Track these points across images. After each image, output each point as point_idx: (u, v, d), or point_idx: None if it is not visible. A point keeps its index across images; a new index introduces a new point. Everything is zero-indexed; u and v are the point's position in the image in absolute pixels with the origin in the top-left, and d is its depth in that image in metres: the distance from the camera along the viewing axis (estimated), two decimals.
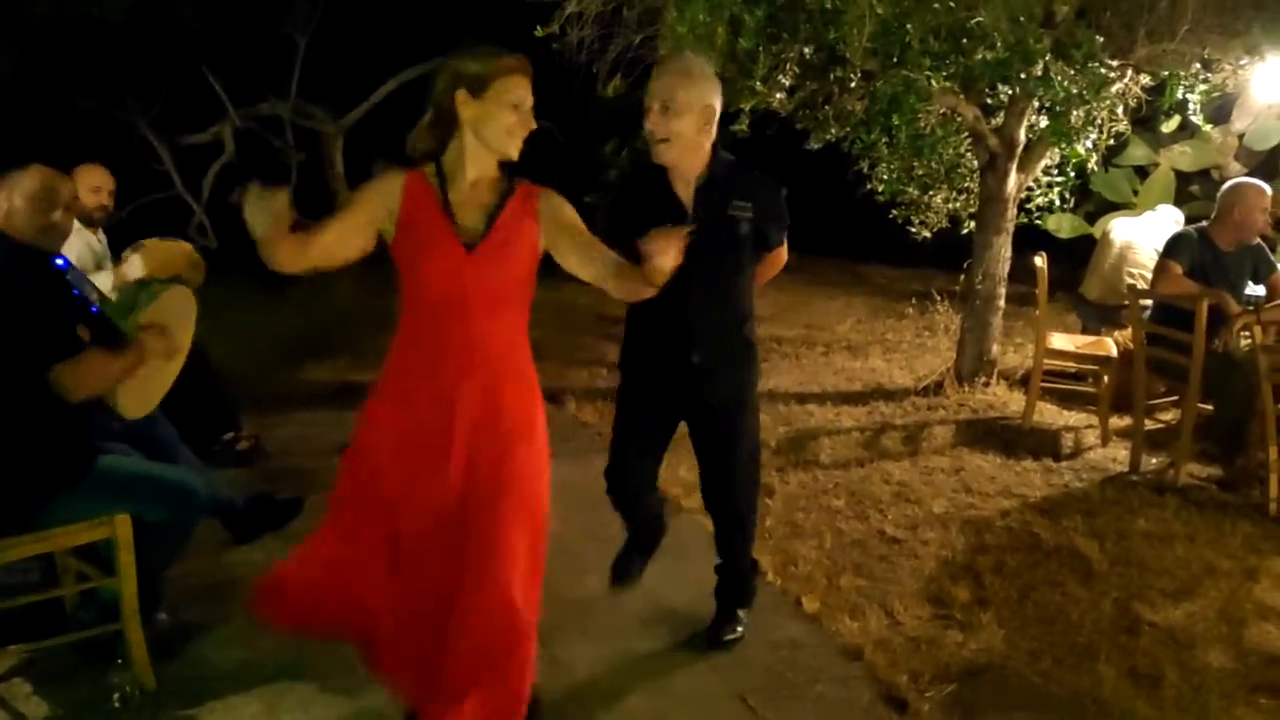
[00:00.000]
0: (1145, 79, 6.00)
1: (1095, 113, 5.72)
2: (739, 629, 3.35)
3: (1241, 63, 5.55)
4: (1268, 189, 5.07)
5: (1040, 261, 5.70)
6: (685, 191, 3.00)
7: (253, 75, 9.42)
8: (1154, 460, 5.25)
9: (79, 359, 2.89)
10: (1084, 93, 5.08)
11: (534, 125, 2.51)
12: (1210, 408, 4.97)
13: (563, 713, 2.95)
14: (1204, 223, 5.18)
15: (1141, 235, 6.39)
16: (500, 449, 2.49)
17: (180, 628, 3.39)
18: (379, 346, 8.00)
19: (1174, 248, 5.09)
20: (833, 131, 6.15)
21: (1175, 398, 5.29)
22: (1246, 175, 8.02)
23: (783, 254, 3.33)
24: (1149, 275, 5.65)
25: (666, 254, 2.30)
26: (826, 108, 6.16)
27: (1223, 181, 8.32)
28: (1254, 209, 4.97)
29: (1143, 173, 8.45)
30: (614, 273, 2.54)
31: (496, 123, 2.46)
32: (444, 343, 2.51)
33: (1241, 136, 7.84)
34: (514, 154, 2.51)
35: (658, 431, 3.26)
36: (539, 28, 5.27)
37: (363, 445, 2.61)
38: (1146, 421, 5.22)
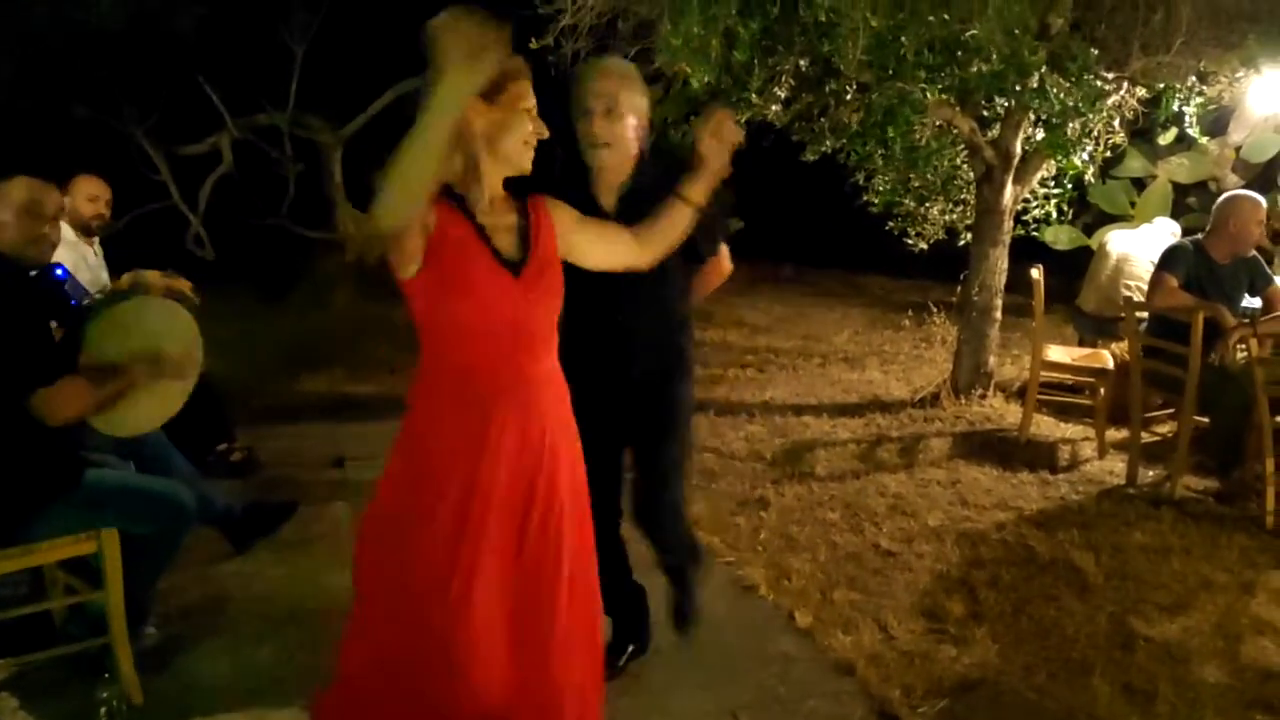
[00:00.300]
0: (1141, 91, 6.00)
1: (1091, 125, 5.73)
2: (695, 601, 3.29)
3: (1237, 75, 5.55)
4: (1263, 201, 5.06)
5: (1036, 273, 5.69)
6: (609, 199, 2.86)
7: (250, 85, 9.41)
8: (1151, 473, 5.23)
9: (58, 387, 2.86)
10: (1079, 105, 5.07)
11: (545, 133, 2.25)
12: (1207, 420, 4.96)
13: None
14: (1199, 235, 5.18)
15: (1138, 247, 6.38)
16: (558, 513, 2.30)
17: (168, 641, 3.38)
18: (376, 357, 8.08)
19: (1169, 260, 5.08)
20: (828, 143, 6.15)
21: (1172, 410, 5.28)
22: (1244, 187, 8.05)
23: (723, 264, 3.13)
24: (1145, 288, 5.64)
25: (724, 126, 2.29)
26: (822, 120, 6.17)
27: (1220, 194, 8.36)
28: (1249, 221, 4.96)
29: (1140, 185, 8.44)
30: (641, 239, 2.38)
31: (515, 133, 2.19)
32: (495, 385, 2.23)
33: (1238, 149, 7.83)
34: (528, 167, 2.26)
35: (612, 455, 3.09)
36: (534, 40, 5.27)
37: (407, 522, 2.25)
38: (1143, 434, 5.21)
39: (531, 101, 2.22)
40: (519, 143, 2.20)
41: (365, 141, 10.14)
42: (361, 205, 10.33)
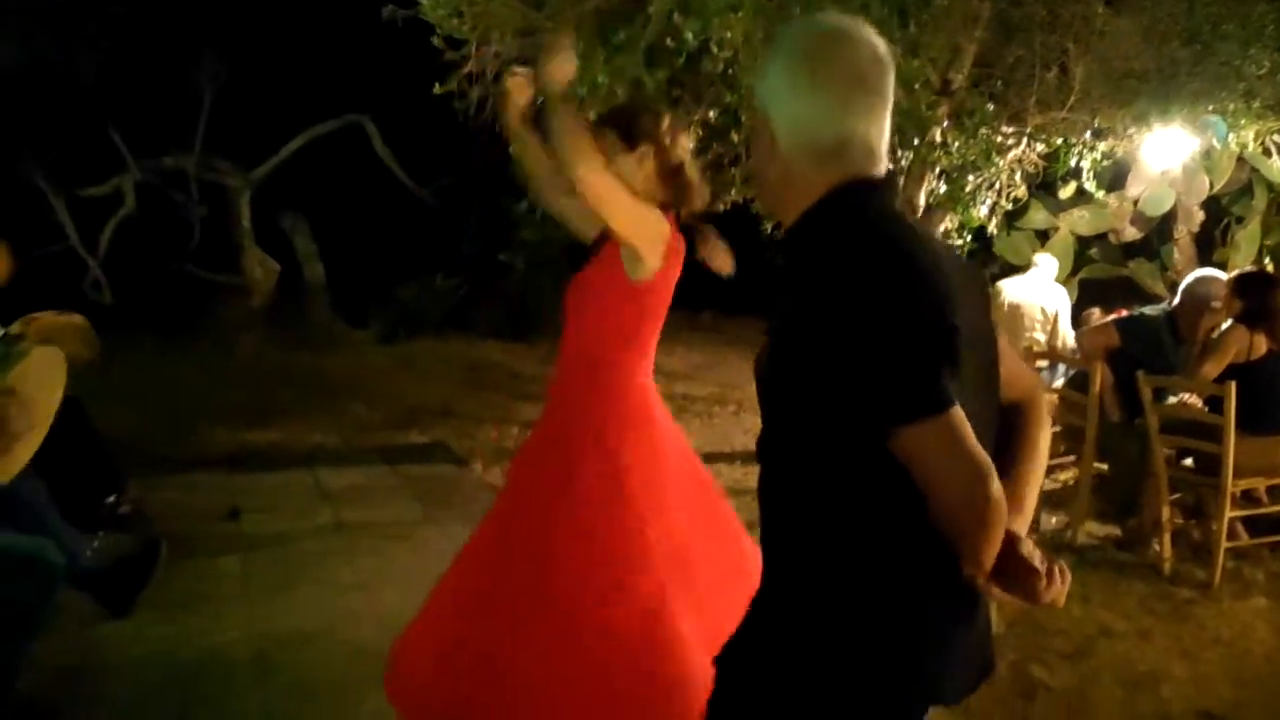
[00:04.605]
0: (1041, 146, 6.16)
1: (991, 178, 5.85)
2: None
3: (1130, 131, 5.73)
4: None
5: None
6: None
7: (156, 128, 9.24)
8: (1053, 519, 5.29)
9: None
10: (977, 160, 5.18)
11: None
12: (1105, 468, 5.04)
13: None
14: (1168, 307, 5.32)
15: (1027, 294, 6.57)
16: None
17: (40, 708, 3.19)
18: (280, 406, 7.88)
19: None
20: (736, 193, 6.18)
21: (1074, 457, 5.36)
22: (1141, 240, 8.32)
23: None
24: (1037, 334, 5.78)
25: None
26: (733, 169, 6.20)
27: (1120, 245, 8.63)
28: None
29: (1044, 236, 8.67)
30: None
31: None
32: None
33: (1136, 202, 8.09)
34: None
35: None
36: (437, 85, 5.22)
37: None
38: (1046, 481, 5.26)
39: None
40: None
41: (276, 186, 10.01)
42: (269, 248, 10.17)
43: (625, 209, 2.42)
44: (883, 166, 1.50)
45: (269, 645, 3.71)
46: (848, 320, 1.32)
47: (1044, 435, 1.63)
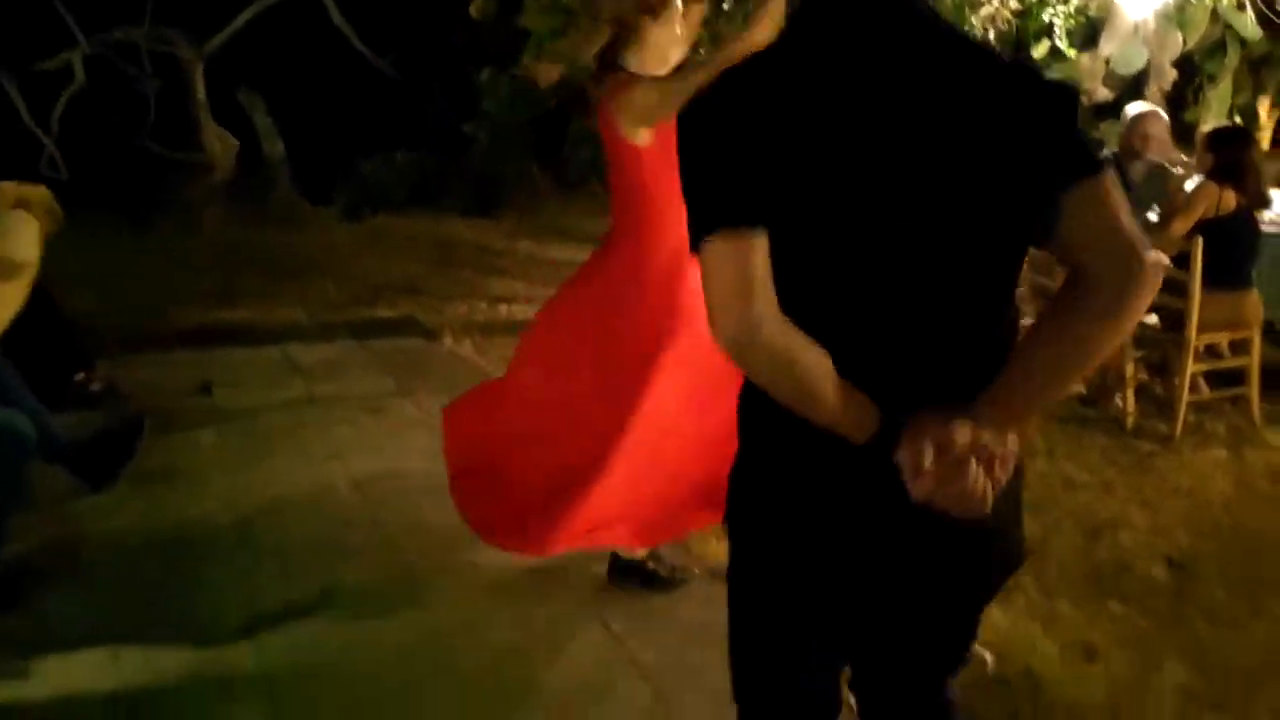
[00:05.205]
0: (1013, 2, 6.04)
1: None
2: None
3: None
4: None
5: None
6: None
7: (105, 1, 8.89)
8: None
9: None
10: (949, 17, 5.08)
11: None
12: None
13: (430, 645, 2.90)
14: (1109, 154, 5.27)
15: None
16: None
17: (19, 579, 3.22)
18: (247, 283, 7.81)
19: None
20: None
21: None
22: (1114, 99, 8.22)
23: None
24: None
25: None
26: None
27: (1092, 106, 8.53)
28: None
29: None
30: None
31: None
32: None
33: (1108, 61, 7.98)
34: None
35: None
36: None
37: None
38: None
39: None
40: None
41: (230, 57, 9.70)
42: (227, 124, 9.91)
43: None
44: None
45: (248, 514, 3.75)
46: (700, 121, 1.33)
47: (1085, 324, 1.28)
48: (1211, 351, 4.85)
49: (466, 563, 3.33)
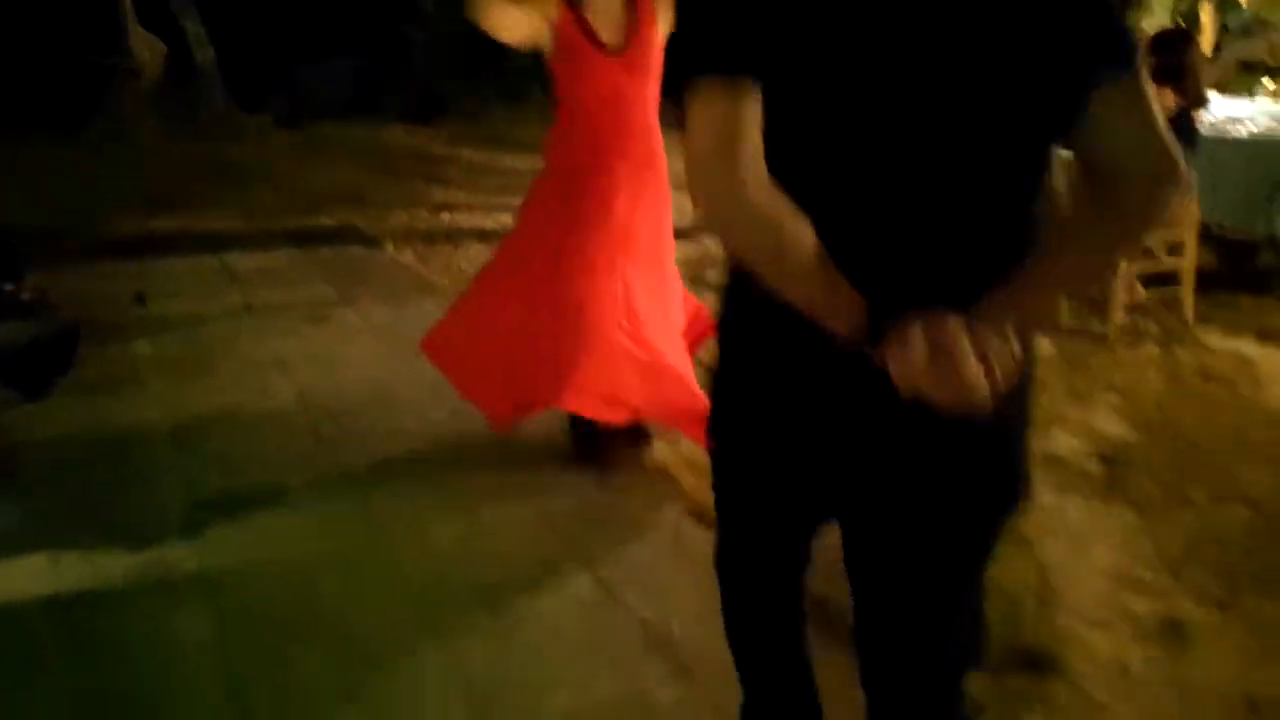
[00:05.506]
0: None
1: None
2: None
3: None
4: None
5: None
6: None
7: None
8: None
9: None
10: None
11: None
12: None
13: (373, 547, 2.91)
14: None
15: None
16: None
17: None
18: (182, 192, 7.64)
19: None
20: None
21: None
22: None
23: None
24: None
25: None
26: None
27: None
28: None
29: None
30: None
31: None
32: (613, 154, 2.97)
33: None
34: None
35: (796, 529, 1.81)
36: None
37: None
38: None
39: None
40: None
41: None
42: (156, 31, 9.57)
43: None
44: None
45: (188, 423, 3.71)
46: None
47: (1111, 228, 1.21)
48: (1146, 253, 4.92)
49: (409, 469, 3.35)
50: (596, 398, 3.02)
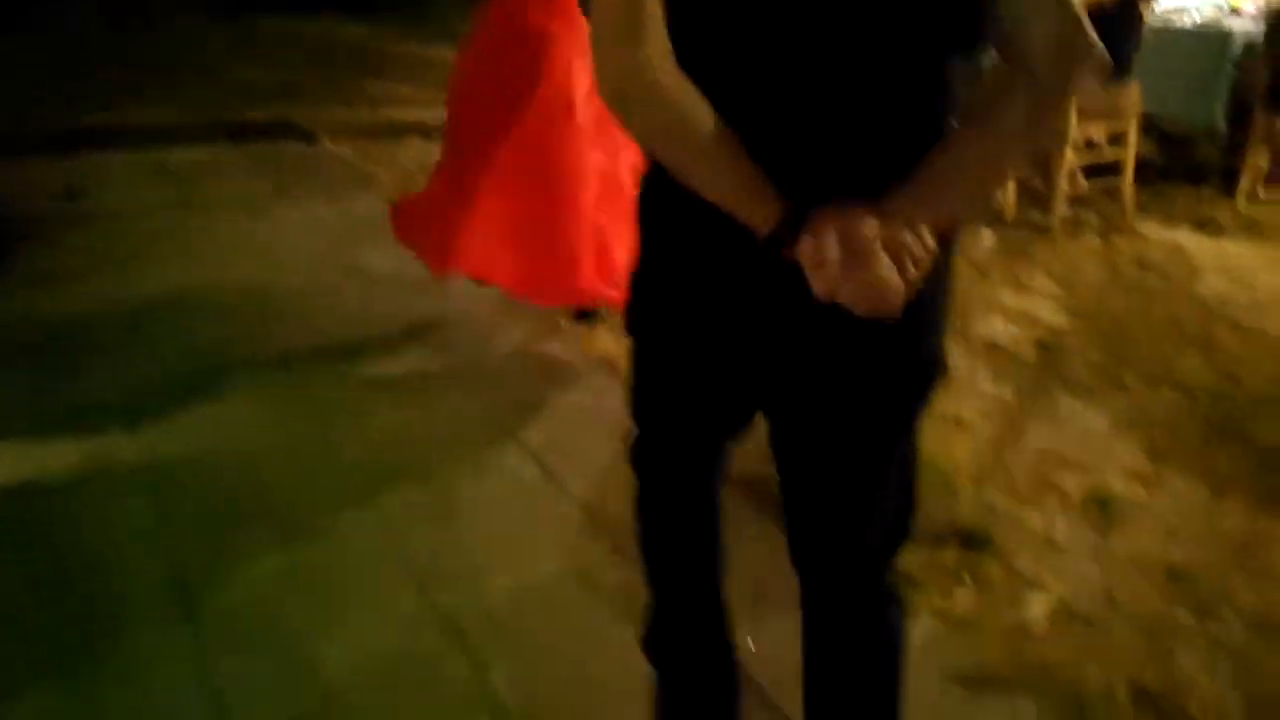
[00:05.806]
0: None
1: None
2: None
3: None
4: None
5: None
6: None
7: None
8: None
9: None
10: None
11: None
12: None
13: (315, 434, 2.91)
14: None
15: None
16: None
17: None
18: (112, 86, 7.37)
19: None
20: None
21: None
22: None
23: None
24: None
25: None
26: None
27: None
28: None
29: None
30: None
31: None
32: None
33: None
34: None
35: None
36: None
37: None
38: None
39: None
40: None
41: None
42: None
43: None
44: None
45: (125, 317, 3.65)
46: None
47: (1020, 111, 1.18)
48: (1089, 144, 4.95)
49: (350, 357, 3.35)
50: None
